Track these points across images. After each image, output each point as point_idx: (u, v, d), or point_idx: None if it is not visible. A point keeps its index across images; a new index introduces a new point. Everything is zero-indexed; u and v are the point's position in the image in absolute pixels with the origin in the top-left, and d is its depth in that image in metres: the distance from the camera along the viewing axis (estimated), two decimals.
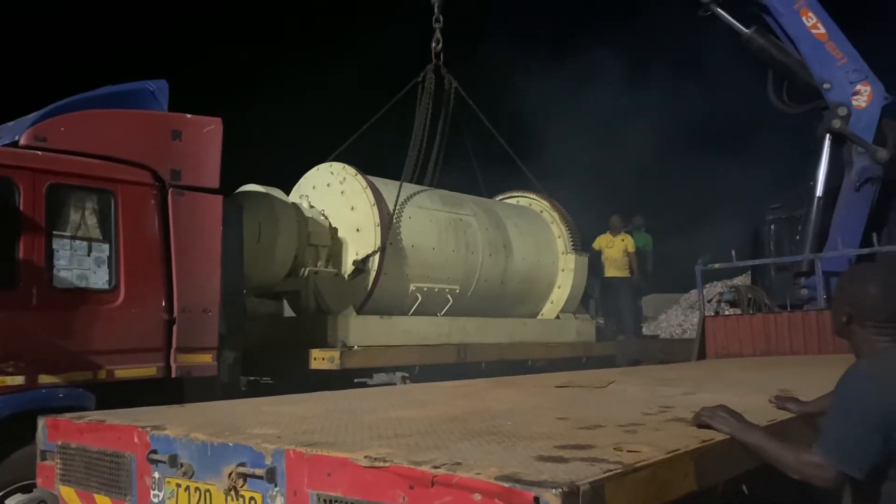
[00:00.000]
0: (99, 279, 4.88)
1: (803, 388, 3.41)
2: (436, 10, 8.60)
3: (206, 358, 5.32)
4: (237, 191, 6.99)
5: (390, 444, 2.19)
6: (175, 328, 5.14)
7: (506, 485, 1.68)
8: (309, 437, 2.37)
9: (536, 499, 1.63)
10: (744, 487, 2.53)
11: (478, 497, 1.72)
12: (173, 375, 5.11)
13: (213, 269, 5.39)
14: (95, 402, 4.58)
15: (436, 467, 1.84)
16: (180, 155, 5.28)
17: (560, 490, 1.62)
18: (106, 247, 4.92)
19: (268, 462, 2.20)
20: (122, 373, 4.91)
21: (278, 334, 7.05)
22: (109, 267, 4.91)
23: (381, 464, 1.94)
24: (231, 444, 2.33)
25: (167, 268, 5.15)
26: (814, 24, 7.82)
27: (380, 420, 2.79)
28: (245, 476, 2.25)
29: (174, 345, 5.12)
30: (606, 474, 1.79)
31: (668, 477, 2.01)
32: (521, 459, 1.95)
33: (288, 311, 7.65)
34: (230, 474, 2.29)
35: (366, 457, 1.98)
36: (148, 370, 5.03)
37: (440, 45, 8.61)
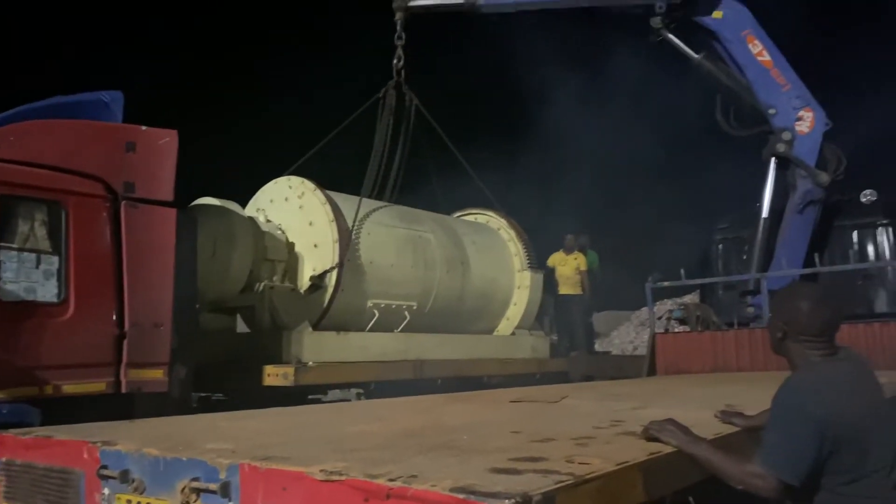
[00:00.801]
0: (47, 292, 4.78)
1: (749, 403, 3.51)
2: (398, 27, 8.69)
3: (158, 373, 5.24)
4: (192, 204, 6.91)
5: (346, 458, 2.20)
6: (126, 342, 5.06)
7: (460, 496, 1.71)
8: (264, 451, 2.36)
9: None
10: (690, 499, 2.60)
11: None
12: (123, 391, 5.03)
13: (165, 283, 5.33)
14: (41, 419, 4.47)
15: (391, 480, 1.86)
16: (134, 167, 5.23)
17: (513, 501, 1.66)
18: (56, 259, 4.83)
19: (222, 476, 2.19)
20: (70, 388, 4.82)
21: (231, 350, 6.95)
22: (59, 280, 4.83)
23: (337, 477, 1.95)
24: (185, 459, 2.31)
25: (119, 281, 5.07)
26: (759, 51, 8.11)
27: (336, 435, 2.80)
28: (199, 491, 2.23)
29: (124, 360, 5.04)
30: (558, 485, 1.83)
31: (618, 488, 2.07)
32: (476, 472, 1.98)
33: (242, 327, 7.57)
34: (183, 489, 2.27)
35: (321, 470, 1.99)
36: (97, 385, 4.93)
37: (402, 62, 8.68)
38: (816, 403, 2.17)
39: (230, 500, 2.17)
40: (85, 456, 2.63)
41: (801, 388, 2.25)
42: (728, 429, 2.97)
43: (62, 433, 2.93)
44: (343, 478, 1.93)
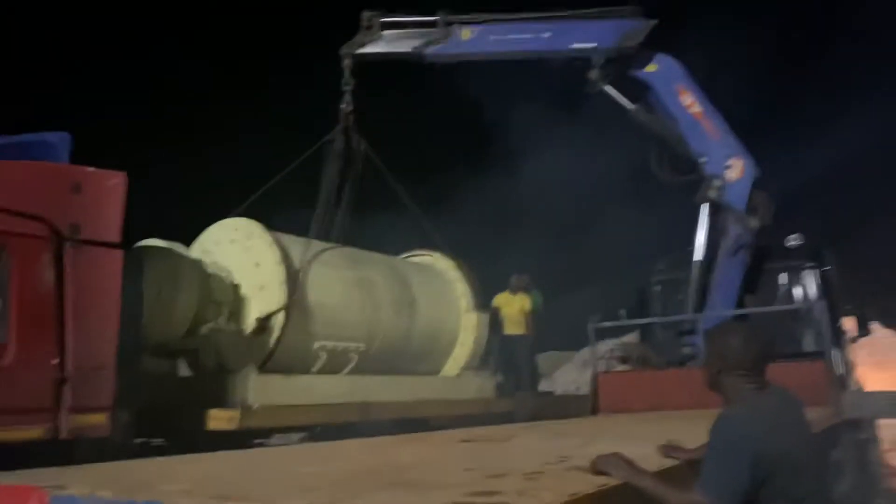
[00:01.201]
0: None
1: (688, 439, 3.66)
2: (346, 73, 8.85)
3: (100, 418, 5.12)
4: (137, 245, 6.83)
5: (305, 496, 2.24)
6: (68, 387, 4.94)
7: None
8: (219, 490, 2.38)
9: None
10: None
11: None
12: (62, 437, 4.89)
13: (110, 326, 5.24)
14: None
15: None
16: (80, 208, 5.17)
17: None
18: None
19: None
20: (5, 435, 4.66)
21: (174, 394, 6.81)
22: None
23: None
24: (141, 502, 2.31)
25: (61, 324, 4.97)
26: (691, 102, 8.54)
27: (291, 475, 2.83)
28: None
29: (66, 405, 4.92)
30: None
31: None
32: None
33: (184, 371, 7.45)
34: None
35: None
36: (33, 432, 4.78)
37: (350, 107, 8.83)
38: (749, 433, 2.33)
39: None
40: (34, 502, 2.59)
41: (735, 419, 2.41)
42: (670, 462, 3.11)
43: (5, 478, 2.87)
44: None
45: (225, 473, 2.92)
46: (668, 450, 3.26)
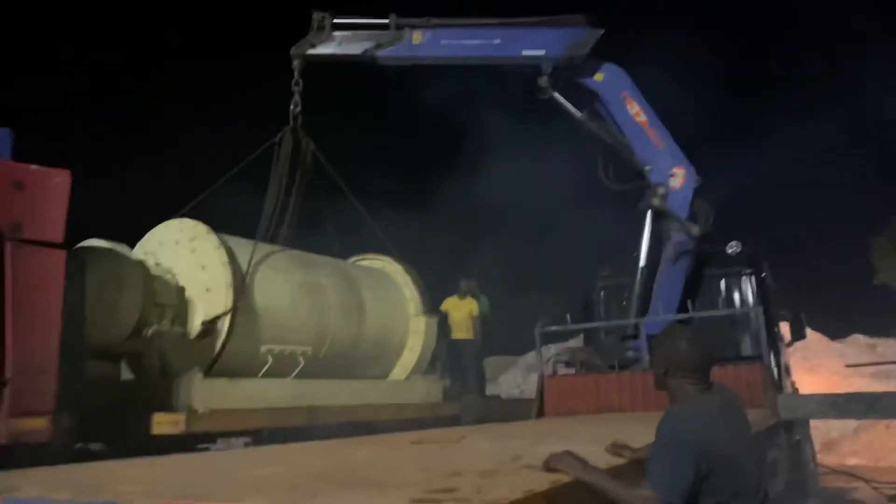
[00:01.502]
0: None
1: (631, 439, 3.79)
2: (296, 74, 8.79)
3: (41, 423, 4.97)
4: (78, 245, 6.67)
5: (265, 496, 2.25)
6: (6, 391, 4.79)
7: None
8: (179, 491, 2.37)
9: None
10: None
11: None
12: (1, 441, 4.74)
13: (52, 328, 5.09)
14: None
15: None
16: (22, 207, 5.01)
17: None
18: None
19: None
20: None
21: (116, 398, 6.65)
22: None
23: None
24: (99, 502, 2.28)
25: (1, 325, 4.82)
26: (636, 112, 8.77)
27: (248, 476, 2.83)
28: None
29: (5, 408, 4.76)
30: None
31: None
32: (399, 503, 2.09)
33: (126, 374, 7.29)
34: None
35: None
36: None
37: (298, 108, 8.77)
38: (692, 430, 2.45)
39: None
40: None
41: (679, 417, 2.53)
42: (618, 460, 3.21)
43: None
44: None
45: (179, 475, 2.89)
46: (616, 449, 3.37)
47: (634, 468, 3.12)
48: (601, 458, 3.14)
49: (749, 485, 2.54)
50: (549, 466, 2.70)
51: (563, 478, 2.59)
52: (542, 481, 2.52)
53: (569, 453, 2.71)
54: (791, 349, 10.27)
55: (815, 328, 20.49)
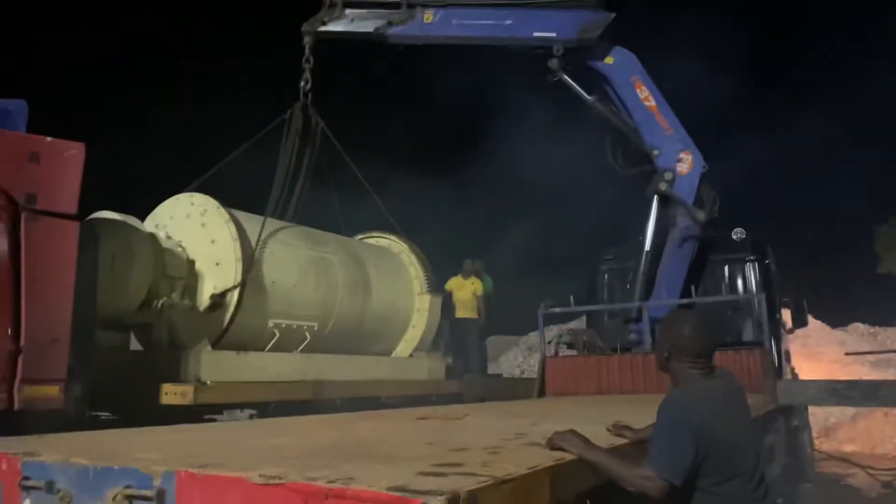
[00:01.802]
0: None
1: (632, 420, 3.87)
2: (307, 50, 8.80)
3: (53, 390, 5.09)
4: (90, 217, 6.73)
5: (280, 465, 2.33)
6: (21, 358, 4.90)
7: (397, 494, 1.90)
8: (195, 459, 2.45)
9: None
10: (588, 502, 2.88)
11: None
12: (16, 407, 4.85)
13: (65, 298, 5.19)
14: None
15: (330, 482, 2.02)
16: (37, 178, 5.09)
17: (445, 497, 1.86)
18: None
19: (157, 484, 2.26)
20: None
21: (126, 368, 6.77)
22: None
23: (276, 481, 2.08)
24: (116, 468, 2.37)
25: (16, 295, 4.91)
26: (646, 96, 8.77)
27: (261, 446, 2.91)
28: (132, 498, 2.30)
29: (19, 375, 4.87)
30: (481, 485, 2.05)
31: (531, 489, 2.31)
32: (405, 475, 2.17)
33: (135, 345, 7.39)
34: (115, 497, 2.33)
35: (260, 475, 2.12)
36: None
37: (309, 84, 8.80)
38: (693, 412, 2.53)
39: None
40: (4, 468, 2.62)
41: (681, 399, 2.61)
42: (619, 440, 3.29)
43: None
44: (282, 481, 2.06)
45: (196, 444, 2.98)
46: (618, 429, 3.46)
47: (636, 448, 3.20)
48: (603, 438, 3.22)
49: (746, 468, 2.62)
50: (553, 444, 2.78)
51: (567, 456, 2.67)
52: (546, 458, 2.60)
53: (572, 432, 2.79)
54: (792, 336, 10.33)
55: (816, 316, 20.57)
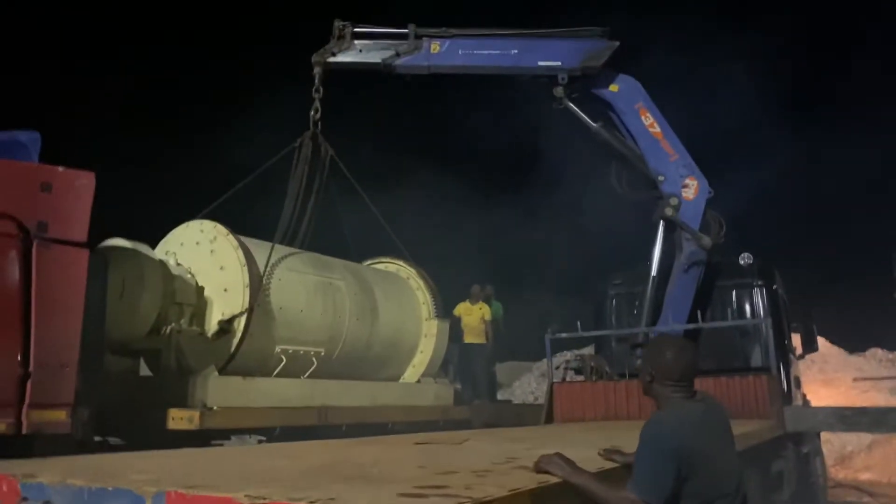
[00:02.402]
0: None
1: (632, 445, 3.87)
2: (316, 81, 8.98)
3: (61, 414, 5.18)
4: (102, 244, 6.88)
5: (267, 486, 2.40)
6: (29, 383, 5.00)
7: None
8: (187, 480, 2.53)
9: None
10: None
11: None
12: (24, 432, 4.95)
13: (73, 324, 5.30)
14: None
15: (312, 502, 2.08)
16: (49, 207, 5.23)
17: None
18: None
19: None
20: None
21: (134, 393, 6.87)
22: None
23: (261, 501, 2.15)
24: (110, 489, 2.44)
25: (26, 320, 5.03)
26: (650, 123, 8.86)
27: (252, 469, 2.98)
28: None
29: (27, 400, 4.97)
30: None
31: None
32: (387, 497, 2.23)
33: (144, 370, 7.48)
34: None
35: (246, 496, 2.19)
36: None
37: (318, 113, 8.96)
38: (674, 435, 2.57)
39: None
40: (3, 489, 2.70)
41: (662, 422, 2.65)
42: (609, 464, 3.32)
43: None
44: (266, 501, 2.13)
45: (187, 467, 3.05)
46: (609, 453, 3.49)
47: (624, 473, 3.22)
48: (593, 462, 3.25)
49: (728, 490, 2.65)
50: (538, 468, 2.82)
51: (551, 479, 2.71)
52: (530, 481, 2.64)
53: (558, 455, 2.83)
54: (806, 362, 10.27)
55: (833, 342, 20.37)
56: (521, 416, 9.79)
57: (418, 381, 9.50)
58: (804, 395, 9.95)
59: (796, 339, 10.07)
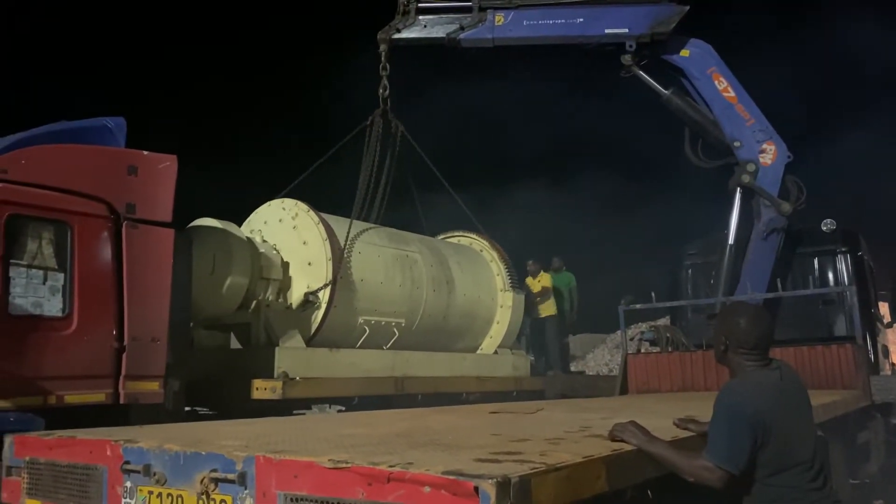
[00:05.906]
0: (53, 307, 5.05)
1: (707, 415, 3.85)
2: (382, 58, 9.05)
3: (154, 385, 5.50)
4: (192, 224, 7.17)
5: (348, 451, 2.51)
6: (124, 356, 5.32)
7: (451, 477, 2.03)
8: (273, 446, 2.67)
9: (476, 488, 1.98)
10: (648, 492, 2.94)
11: (427, 489, 2.06)
12: (121, 402, 5.28)
13: (162, 300, 5.61)
14: (45, 427, 4.70)
15: (391, 466, 2.18)
16: (136, 189, 5.52)
17: (495, 481, 1.98)
18: (61, 276, 5.10)
19: (239, 468, 2.49)
20: (72, 398, 5.06)
21: (225, 366, 7.17)
22: (63, 295, 5.10)
23: (343, 465, 2.26)
24: (203, 453, 2.61)
25: (119, 297, 5.34)
26: (724, 87, 8.58)
27: (334, 435, 3.12)
28: (217, 481, 2.53)
29: (123, 372, 5.30)
30: (533, 471, 2.15)
31: (584, 477, 2.39)
32: (462, 461, 2.30)
33: (234, 344, 7.79)
34: (202, 480, 2.57)
35: (329, 460, 2.30)
36: (97, 396, 5.18)
37: (387, 91, 9.05)
38: (748, 402, 2.55)
39: (245, 488, 2.47)
40: (108, 453, 2.91)
41: (736, 390, 2.63)
42: (684, 433, 3.31)
43: (83, 434, 3.21)
44: (349, 465, 2.24)
45: (275, 433, 3.21)
46: (683, 422, 3.47)
47: (699, 441, 3.21)
48: (667, 431, 3.24)
49: (804, 458, 2.61)
50: (613, 436, 2.85)
51: (625, 446, 2.73)
52: (604, 449, 2.67)
53: (633, 423, 2.84)
54: (893, 330, 9.86)
55: None
56: (594, 387, 9.76)
57: (496, 352, 9.58)
58: (894, 365, 9.58)
59: (884, 308, 9.67)
